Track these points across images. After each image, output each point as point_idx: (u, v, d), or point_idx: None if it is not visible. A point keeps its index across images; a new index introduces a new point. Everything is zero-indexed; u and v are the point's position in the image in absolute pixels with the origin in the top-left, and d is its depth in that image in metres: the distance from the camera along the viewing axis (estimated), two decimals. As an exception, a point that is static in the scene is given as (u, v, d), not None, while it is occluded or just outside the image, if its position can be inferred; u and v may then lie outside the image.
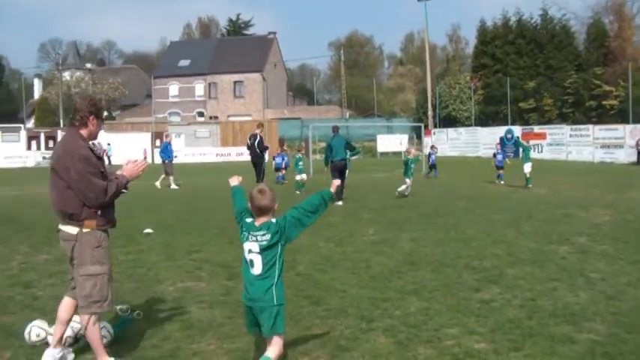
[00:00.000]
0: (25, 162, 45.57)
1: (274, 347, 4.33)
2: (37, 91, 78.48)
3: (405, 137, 50.61)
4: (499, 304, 6.34)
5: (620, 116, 44.60)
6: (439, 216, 13.34)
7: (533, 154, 30.09)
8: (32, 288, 7.35)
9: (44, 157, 45.46)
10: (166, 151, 23.12)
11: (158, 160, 28.53)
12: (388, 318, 5.93)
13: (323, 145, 36.79)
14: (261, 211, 4.45)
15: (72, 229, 4.67)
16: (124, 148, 44.60)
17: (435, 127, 55.62)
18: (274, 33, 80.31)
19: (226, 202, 17.27)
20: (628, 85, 43.74)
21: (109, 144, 44.33)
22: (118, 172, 4.89)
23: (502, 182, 21.59)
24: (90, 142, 4.83)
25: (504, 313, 6.00)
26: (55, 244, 10.07)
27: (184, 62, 75.65)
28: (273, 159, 25.06)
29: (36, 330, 5.33)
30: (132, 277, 7.81)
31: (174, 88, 75.05)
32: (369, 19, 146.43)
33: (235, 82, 73.65)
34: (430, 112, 57.18)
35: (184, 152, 46.48)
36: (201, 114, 73.70)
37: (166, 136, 25.40)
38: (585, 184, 20.72)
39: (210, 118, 70.30)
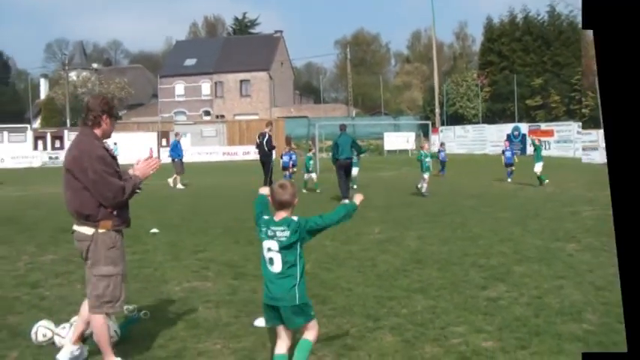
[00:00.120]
0: (32, 162, 45.68)
1: (311, 331, 4.48)
2: (44, 91, 78.61)
3: (412, 135, 50.53)
4: (506, 302, 6.31)
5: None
6: (445, 214, 13.31)
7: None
8: (39, 288, 7.37)
9: (50, 158, 45.66)
10: (176, 149, 23.07)
11: (165, 159, 28.52)
12: (394, 316, 5.91)
13: (329, 143, 36.75)
14: (281, 205, 4.49)
15: (87, 230, 4.66)
16: (130, 147, 44.62)
17: (442, 124, 55.52)
18: (281, 31, 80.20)
19: (232, 201, 17.30)
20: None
21: (115, 143, 44.35)
22: (130, 172, 4.88)
23: (509, 180, 21.46)
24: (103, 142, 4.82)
25: (511, 311, 5.98)
26: (61, 244, 10.14)
27: (190, 61, 75.67)
28: (281, 157, 25.03)
29: (42, 330, 5.34)
30: (138, 277, 7.81)
31: (180, 87, 75.10)
32: (375, 17, 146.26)
33: (242, 81, 73.62)
34: (437, 110, 57.07)
35: (191, 151, 46.42)
36: (207, 113, 73.72)
37: (176, 135, 25.28)
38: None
39: (217, 117, 70.30)
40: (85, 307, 4.91)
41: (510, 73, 53.35)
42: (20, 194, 20.87)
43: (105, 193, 4.58)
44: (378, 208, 14.54)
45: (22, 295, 7.07)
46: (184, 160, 23.63)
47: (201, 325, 5.79)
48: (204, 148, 50.59)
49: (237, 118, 65.29)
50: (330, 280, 7.43)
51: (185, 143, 44.36)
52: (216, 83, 74.04)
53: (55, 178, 26.85)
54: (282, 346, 4.46)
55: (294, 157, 24.36)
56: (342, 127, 17.42)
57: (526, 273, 7.53)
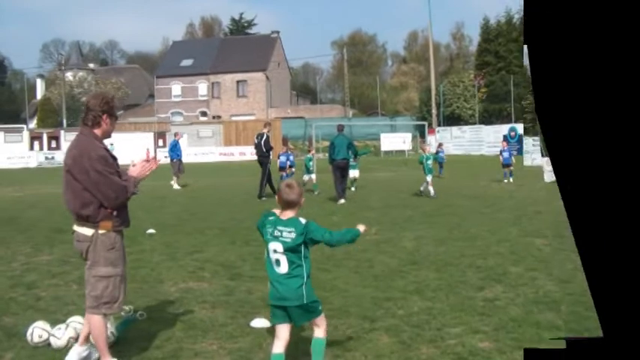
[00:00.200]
0: (28, 162, 45.55)
1: (321, 327, 4.57)
2: (40, 91, 78.51)
3: (408, 136, 50.53)
4: (503, 302, 6.31)
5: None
6: (442, 215, 13.31)
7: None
8: (34, 289, 7.33)
9: (47, 158, 45.56)
10: (175, 149, 23.03)
11: (162, 159, 28.40)
12: (391, 317, 5.90)
13: (326, 144, 36.71)
14: (288, 204, 4.53)
15: (87, 231, 4.65)
16: (127, 148, 44.54)
17: (439, 125, 55.55)
18: (277, 32, 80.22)
19: (228, 202, 17.26)
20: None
21: (111, 144, 44.24)
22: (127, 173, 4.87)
23: (506, 180, 21.48)
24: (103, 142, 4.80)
25: (508, 311, 5.98)
26: (57, 244, 10.12)
27: (187, 62, 75.62)
28: (278, 158, 24.99)
29: (38, 331, 5.31)
30: (134, 277, 7.78)
31: (176, 87, 75.03)
32: (372, 18, 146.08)
33: (238, 82, 73.62)
34: (434, 111, 57.10)
35: (187, 152, 46.18)
36: (204, 114, 73.68)
37: (175, 135, 25.16)
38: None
39: (214, 117, 70.27)
40: None
41: (507, 73, 53.46)
42: (16, 195, 20.81)
43: (108, 193, 4.57)
44: (375, 209, 14.54)
45: (17, 295, 7.04)
46: (183, 160, 23.59)
47: (197, 326, 5.77)
48: (201, 148, 50.51)
49: (234, 118, 65.21)
50: (327, 280, 7.41)
51: (182, 144, 44.40)
52: (212, 84, 74.01)
53: (51, 178, 26.82)
54: (279, 346, 4.46)
55: (291, 157, 24.27)
56: (340, 128, 17.42)
57: (523, 274, 7.54)
